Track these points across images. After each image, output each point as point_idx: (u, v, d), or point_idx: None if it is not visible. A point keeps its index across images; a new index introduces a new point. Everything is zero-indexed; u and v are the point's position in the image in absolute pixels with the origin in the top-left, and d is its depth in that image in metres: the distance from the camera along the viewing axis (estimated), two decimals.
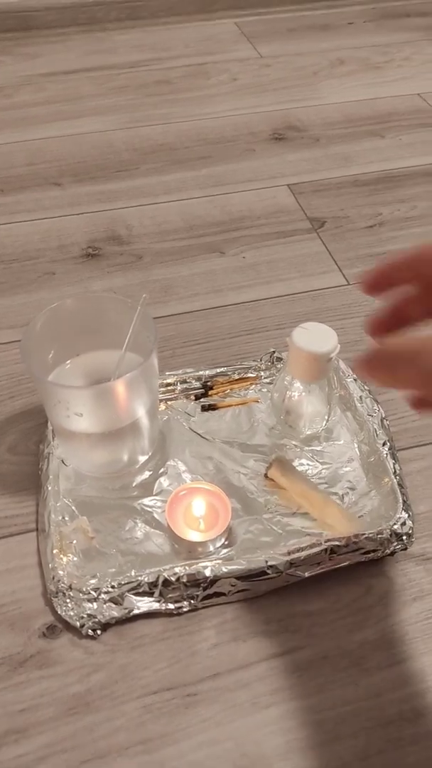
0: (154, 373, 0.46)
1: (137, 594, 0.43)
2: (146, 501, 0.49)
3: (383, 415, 0.53)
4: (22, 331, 0.44)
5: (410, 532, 0.46)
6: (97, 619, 0.43)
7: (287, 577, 0.44)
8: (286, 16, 1.20)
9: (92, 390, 0.45)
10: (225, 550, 0.46)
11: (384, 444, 0.51)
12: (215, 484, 0.48)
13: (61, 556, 0.45)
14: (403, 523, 0.46)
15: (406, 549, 0.46)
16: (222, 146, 0.87)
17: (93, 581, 0.44)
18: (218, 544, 0.46)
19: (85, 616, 0.43)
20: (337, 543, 0.45)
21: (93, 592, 0.43)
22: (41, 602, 0.45)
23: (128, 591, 0.43)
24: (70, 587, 0.43)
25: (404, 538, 0.46)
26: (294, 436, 0.53)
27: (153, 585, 0.43)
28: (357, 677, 0.42)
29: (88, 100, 0.97)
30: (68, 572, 0.44)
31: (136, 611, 0.43)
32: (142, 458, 0.51)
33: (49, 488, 0.48)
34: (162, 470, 0.51)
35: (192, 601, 0.44)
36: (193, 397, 0.55)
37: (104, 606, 0.43)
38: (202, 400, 0.55)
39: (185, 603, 0.44)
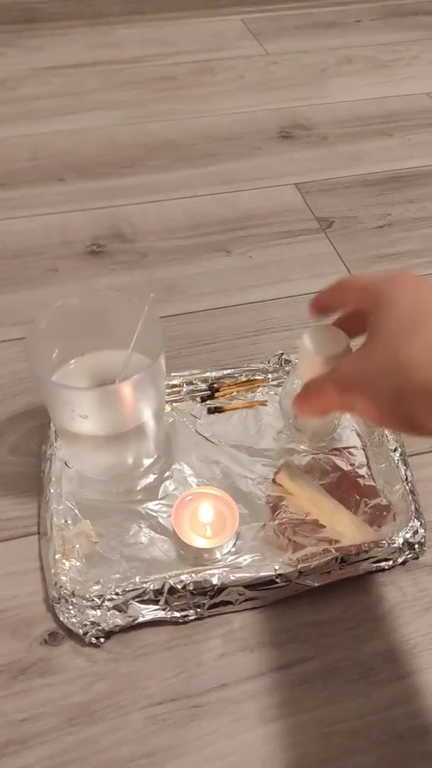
0: (161, 376, 0.45)
1: (142, 602, 0.42)
2: (151, 505, 0.48)
3: None
4: (25, 329, 0.43)
5: (422, 540, 0.45)
6: (100, 627, 0.41)
7: (296, 586, 0.43)
8: (293, 13, 1.18)
9: (99, 392, 0.44)
10: (232, 558, 0.45)
11: (395, 450, 0.50)
12: (222, 489, 0.47)
13: (64, 560, 0.44)
14: (416, 532, 0.45)
15: (417, 558, 0.45)
16: (228, 144, 0.86)
17: (96, 587, 0.43)
18: (225, 551, 0.45)
19: (88, 623, 0.41)
20: (347, 552, 0.43)
21: (96, 599, 0.42)
22: (43, 608, 0.44)
23: (133, 599, 0.42)
24: (73, 594, 0.42)
25: (416, 547, 0.45)
26: (302, 440, 0.51)
27: (158, 592, 0.42)
28: (367, 689, 0.41)
29: (93, 94, 0.95)
30: (71, 578, 0.43)
31: (141, 619, 0.42)
32: (147, 461, 0.49)
33: (52, 491, 0.47)
34: (167, 474, 0.49)
35: (198, 610, 0.43)
36: (199, 399, 0.54)
37: (108, 613, 0.42)
38: (208, 402, 0.54)
39: (191, 611, 0.43)
